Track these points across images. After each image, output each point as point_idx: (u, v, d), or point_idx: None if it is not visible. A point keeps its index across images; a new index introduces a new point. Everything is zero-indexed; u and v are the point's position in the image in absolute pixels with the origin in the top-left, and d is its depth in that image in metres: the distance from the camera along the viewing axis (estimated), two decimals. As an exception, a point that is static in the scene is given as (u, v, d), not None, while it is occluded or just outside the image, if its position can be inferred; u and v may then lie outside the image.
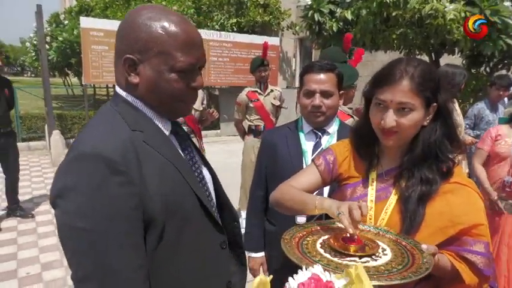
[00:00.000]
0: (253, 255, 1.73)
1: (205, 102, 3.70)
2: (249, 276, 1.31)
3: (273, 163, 1.63)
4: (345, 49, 2.44)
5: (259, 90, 3.97)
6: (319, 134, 1.59)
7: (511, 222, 2.63)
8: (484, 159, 2.81)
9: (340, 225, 1.00)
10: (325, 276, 0.66)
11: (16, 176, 4.29)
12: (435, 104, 1.02)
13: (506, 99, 4.34)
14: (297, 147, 1.58)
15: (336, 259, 0.84)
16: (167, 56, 0.84)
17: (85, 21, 7.18)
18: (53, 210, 0.80)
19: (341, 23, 5.83)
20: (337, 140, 1.54)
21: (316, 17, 5.97)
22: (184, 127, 3.42)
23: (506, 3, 4.24)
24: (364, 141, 1.15)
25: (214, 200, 1.06)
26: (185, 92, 0.89)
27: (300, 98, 1.59)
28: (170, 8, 9.26)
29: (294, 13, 10.48)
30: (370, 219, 1.07)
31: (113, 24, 6.98)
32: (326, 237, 0.95)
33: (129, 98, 0.89)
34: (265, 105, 3.93)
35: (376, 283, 0.74)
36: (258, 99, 3.92)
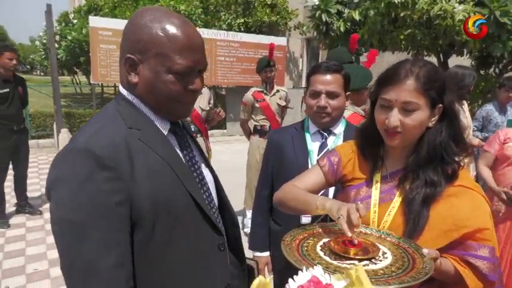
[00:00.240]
0: (258, 254, 1.73)
1: (212, 102, 3.71)
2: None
3: (279, 163, 1.64)
4: (351, 49, 2.43)
5: (265, 91, 3.97)
6: (325, 134, 1.59)
7: None
8: (490, 162, 2.76)
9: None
10: (325, 279, 0.66)
11: (25, 173, 4.35)
12: (441, 105, 1.01)
13: (515, 101, 4.28)
14: (303, 148, 1.58)
15: (335, 262, 0.84)
16: (165, 58, 0.85)
17: (94, 21, 7.25)
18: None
19: (348, 24, 5.81)
20: (344, 140, 1.54)
21: (324, 17, 5.96)
22: (191, 126, 3.45)
23: (517, 4, 4.19)
24: (370, 142, 1.14)
25: (216, 201, 1.06)
26: (182, 94, 0.89)
27: (306, 98, 1.60)
28: (178, 7, 9.27)
29: (301, 13, 10.47)
30: (373, 221, 1.06)
31: (121, 24, 7.03)
32: (327, 240, 0.95)
33: (130, 97, 0.91)
34: (271, 106, 3.93)
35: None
36: (264, 100, 3.92)
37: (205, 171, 1.05)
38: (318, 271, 0.68)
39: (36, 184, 5.45)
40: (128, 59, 0.87)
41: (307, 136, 1.61)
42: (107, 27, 7.11)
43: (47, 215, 4.37)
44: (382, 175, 1.12)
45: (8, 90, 3.93)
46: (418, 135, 1.03)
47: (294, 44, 11.15)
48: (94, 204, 0.76)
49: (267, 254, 1.74)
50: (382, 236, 0.99)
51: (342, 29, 5.82)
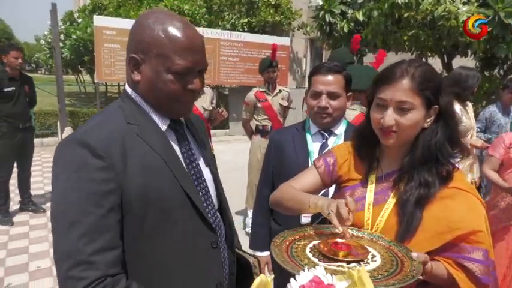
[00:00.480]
0: (259, 254, 1.74)
1: (214, 101, 3.73)
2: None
3: (280, 163, 1.64)
4: (353, 50, 2.43)
5: (267, 91, 3.98)
6: (326, 135, 1.59)
7: None
8: (496, 166, 2.69)
9: (333, 230, 1.00)
10: (327, 279, 0.66)
11: (29, 171, 4.38)
12: (436, 106, 1.01)
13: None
14: (304, 148, 1.59)
15: (323, 264, 0.83)
16: (165, 58, 0.89)
17: (98, 20, 7.28)
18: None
19: (352, 24, 5.79)
20: (344, 141, 1.54)
21: (327, 17, 5.95)
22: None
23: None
24: (366, 142, 1.14)
25: (215, 200, 1.08)
26: (181, 93, 0.93)
27: (307, 98, 1.60)
28: (182, 7, 9.28)
29: (305, 13, 10.45)
30: (367, 222, 1.06)
31: (125, 23, 7.06)
32: (317, 242, 0.95)
33: (133, 95, 0.96)
34: (273, 106, 3.94)
35: None
36: (266, 100, 3.93)
37: (205, 171, 1.06)
38: (319, 271, 0.68)
39: (40, 182, 5.48)
40: (131, 58, 0.92)
41: (308, 136, 1.61)
42: (111, 27, 7.14)
43: (50, 213, 4.40)
44: (377, 176, 1.11)
45: (13, 88, 3.97)
46: (413, 136, 1.03)
47: (297, 44, 11.13)
48: (85, 190, 0.81)
49: (267, 253, 1.74)
50: (374, 239, 0.99)
51: (345, 29, 5.80)
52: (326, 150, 1.55)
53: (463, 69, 3.15)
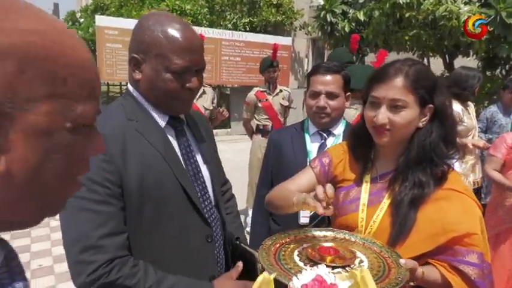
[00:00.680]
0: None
1: (215, 101, 3.74)
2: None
3: (279, 163, 1.65)
4: (352, 49, 2.44)
5: (268, 90, 3.99)
6: (325, 135, 1.60)
7: None
8: (498, 166, 2.65)
9: (326, 233, 1.01)
10: (330, 278, 0.66)
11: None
12: (431, 105, 1.00)
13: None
14: (302, 148, 1.59)
15: (308, 268, 0.82)
16: (164, 58, 0.93)
17: (100, 20, 7.30)
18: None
19: (353, 24, 5.80)
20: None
21: (329, 17, 5.96)
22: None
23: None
24: (361, 142, 1.13)
25: (212, 195, 1.11)
26: (179, 91, 0.97)
27: (306, 98, 1.61)
28: (184, 7, 9.28)
29: (306, 13, 10.45)
30: (361, 223, 1.05)
31: (127, 23, 7.07)
32: (306, 245, 0.95)
33: (134, 93, 1.01)
34: (273, 105, 3.95)
35: None
36: (266, 99, 3.94)
37: (203, 167, 1.10)
38: (322, 270, 0.68)
39: (42, 181, 5.51)
40: (132, 58, 0.96)
41: (307, 137, 1.62)
42: (113, 26, 7.16)
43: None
44: (372, 177, 1.11)
45: None
46: (407, 134, 1.02)
47: (299, 43, 11.13)
48: (92, 179, 0.85)
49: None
50: (366, 244, 0.98)
51: (346, 29, 5.81)
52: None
53: (463, 69, 3.14)
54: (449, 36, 4.35)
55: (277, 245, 0.95)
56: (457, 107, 2.98)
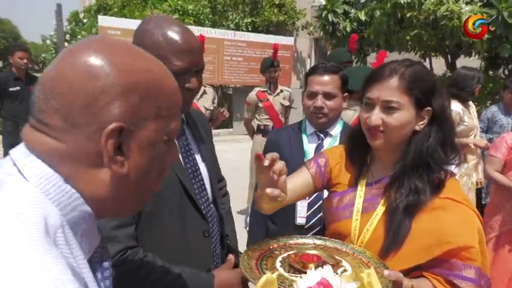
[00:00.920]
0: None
1: (216, 101, 3.75)
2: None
3: (277, 163, 1.65)
4: (350, 49, 2.44)
5: (268, 90, 4.00)
6: (322, 136, 1.60)
7: None
8: (499, 167, 2.62)
9: (316, 241, 1.01)
10: (335, 281, 0.66)
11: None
12: (429, 108, 0.97)
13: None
14: (299, 149, 1.60)
15: (287, 275, 0.82)
16: (163, 59, 0.93)
17: (103, 20, 7.36)
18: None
19: (355, 24, 5.80)
20: (340, 143, 1.55)
21: (330, 17, 5.97)
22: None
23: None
24: (357, 145, 1.10)
25: (209, 192, 1.15)
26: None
27: (304, 99, 1.61)
28: (186, 7, 9.30)
29: (309, 13, 10.43)
30: (354, 231, 1.02)
31: (130, 23, 7.12)
32: (292, 252, 0.94)
33: None
34: (274, 105, 3.96)
35: None
36: (267, 99, 3.95)
37: (202, 165, 1.14)
38: (327, 272, 0.67)
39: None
40: None
41: (304, 137, 1.62)
42: (116, 27, 7.20)
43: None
44: (368, 181, 1.07)
45: (19, 88, 4.08)
46: (402, 137, 0.99)
47: (301, 43, 11.12)
48: None
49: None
50: (355, 254, 0.96)
51: (348, 29, 5.81)
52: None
53: (463, 69, 3.14)
54: (450, 36, 4.34)
55: (263, 251, 0.95)
56: (457, 106, 2.97)
